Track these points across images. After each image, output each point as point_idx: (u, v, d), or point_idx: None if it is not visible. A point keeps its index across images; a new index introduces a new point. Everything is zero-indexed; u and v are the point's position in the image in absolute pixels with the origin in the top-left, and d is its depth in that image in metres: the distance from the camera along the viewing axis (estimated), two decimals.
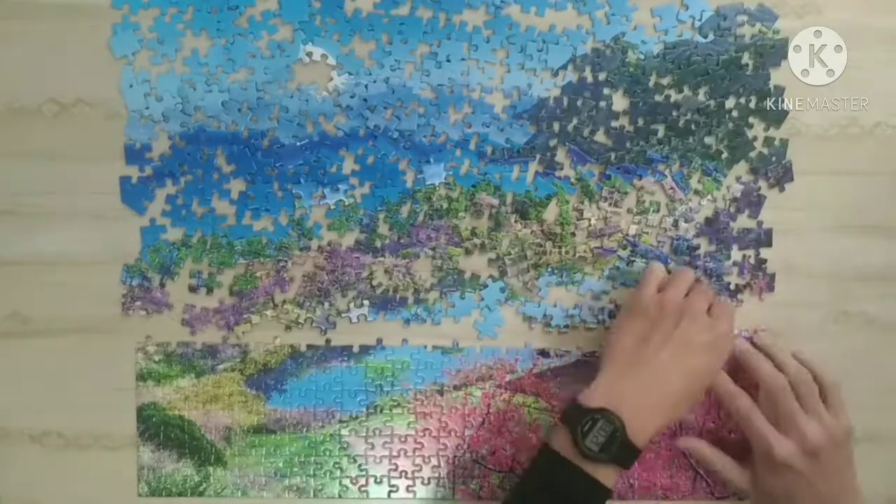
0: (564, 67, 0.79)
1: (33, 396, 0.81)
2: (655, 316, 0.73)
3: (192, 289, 0.80)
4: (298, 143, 0.79)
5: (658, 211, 0.80)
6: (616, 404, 0.69)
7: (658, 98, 0.79)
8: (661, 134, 0.80)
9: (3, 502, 0.81)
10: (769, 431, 0.73)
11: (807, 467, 0.72)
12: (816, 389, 0.75)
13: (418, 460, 0.82)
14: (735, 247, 0.81)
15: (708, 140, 0.80)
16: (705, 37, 0.79)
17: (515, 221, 0.80)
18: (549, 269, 0.81)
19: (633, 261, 0.81)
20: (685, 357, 0.71)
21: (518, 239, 0.80)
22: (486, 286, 0.81)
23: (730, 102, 0.79)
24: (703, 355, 0.72)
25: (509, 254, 0.80)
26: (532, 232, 0.80)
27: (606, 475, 0.68)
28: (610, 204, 0.80)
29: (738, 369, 0.78)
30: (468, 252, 0.80)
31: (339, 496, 0.82)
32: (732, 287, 0.81)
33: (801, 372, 0.76)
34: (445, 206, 0.80)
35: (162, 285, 0.80)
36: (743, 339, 0.80)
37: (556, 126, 0.79)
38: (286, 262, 0.80)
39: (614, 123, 0.79)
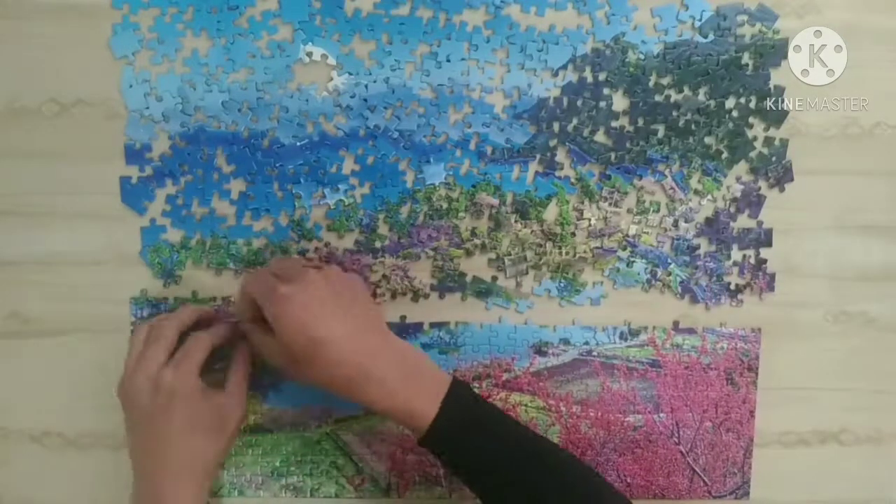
0: (564, 67, 0.79)
1: (33, 396, 0.81)
2: (130, 408, 0.74)
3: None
4: (298, 143, 0.79)
5: (658, 211, 0.80)
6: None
7: (658, 98, 0.79)
8: (661, 134, 0.80)
9: (3, 502, 0.81)
10: (264, 287, 0.70)
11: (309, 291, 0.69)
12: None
13: (415, 459, 0.82)
14: (735, 247, 0.81)
15: (708, 140, 0.80)
16: (705, 37, 0.79)
17: (516, 221, 0.80)
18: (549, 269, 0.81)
19: (633, 261, 0.81)
20: (152, 429, 0.72)
21: (518, 239, 0.80)
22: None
23: (730, 102, 0.79)
24: (164, 420, 0.71)
25: (509, 254, 0.80)
26: (532, 232, 0.80)
27: None
28: (610, 204, 0.80)
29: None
30: (469, 253, 0.80)
31: (336, 495, 0.82)
32: (733, 287, 0.81)
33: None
34: (445, 206, 0.80)
35: (164, 300, 0.80)
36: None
37: (556, 126, 0.79)
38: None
39: (614, 123, 0.79)
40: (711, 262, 0.81)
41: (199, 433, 0.72)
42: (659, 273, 0.81)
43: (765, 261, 0.81)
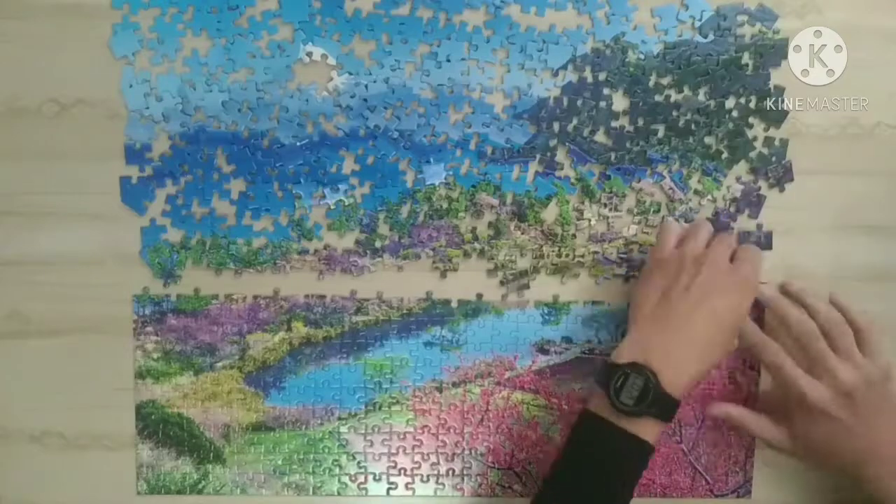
0: (564, 67, 0.79)
1: (33, 396, 0.81)
2: (676, 269, 0.72)
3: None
4: (298, 143, 0.79)
5: (658, 211, 0.80)
6: (645, 357, 0.68)
7: (658, 98, 0.79)
8: (661, 134, 0.80)
9: (3, 502, 0.81)
10: (800, 376, 0.72)
11: (842, 411, 0.71)
12: (849, 331, 0.74)
13: (417, 458, 0.82)
14: None
15: (708, 140, 0.80)
16: (705, 37, 0.79)
17: (515, 228, 0.80)
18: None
19: (632, 276, 0.81)
20: (707, 302, 0.70)
21: (517, 245, 0.80)
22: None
23: (730, 102, 0.79)
24: (726, 297, 0.71)
25: (505, 266, 0.80)
26: (531, 238, 0.80)
27: (647, 430, 0.68)
28: (610, 209, 0.80)
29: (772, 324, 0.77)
30: (467, 255, 0.80)
31: (338, 493, 0.82)
32: None
33: (831, 315, 0.75)
34: (445, 206, 0.80)
35: (166, 296, 0.81)
36: (771, 287, 0.79)
37: (556, 126, 0.79)
38: (285, 265, 0.80)
39: (614, 123, 0.79)
40: None
41: (731, 331, 0.72)
42: None
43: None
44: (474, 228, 0.80)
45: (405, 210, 0.80)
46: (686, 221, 0.80)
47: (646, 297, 0.73)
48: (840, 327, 0.74)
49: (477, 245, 0.80)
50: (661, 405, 0.68)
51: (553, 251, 0.80)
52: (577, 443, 0.71)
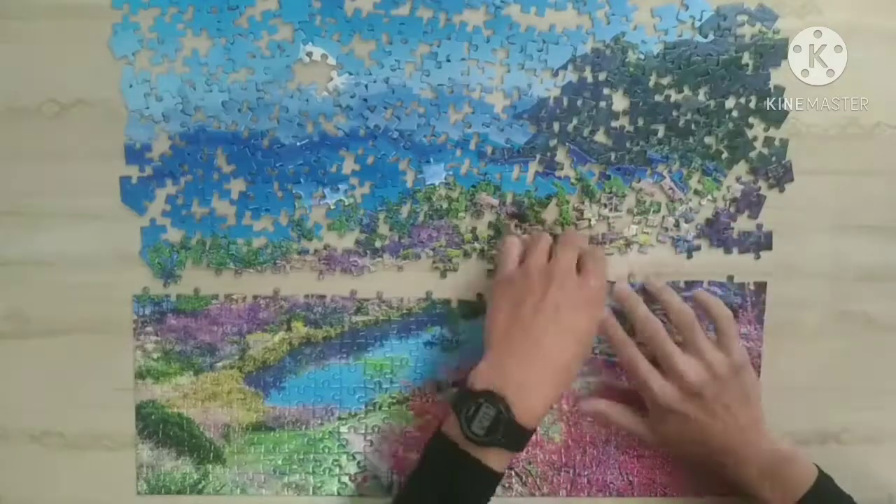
0: (564, 67, 0.79)
1: (33, 396, 0.81)
2: (522, 287, 0.72)
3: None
4: (298, 143, 0.79)
5: (658, 211, 0.80)
6: (500, 386, 0.68)
7: (658, 98, 0.79)
8: (661, 134, 0.80)
9: (3, 502, 0.81)
10: (650, 377, 0.73)
11: (692, 408, 0.72)
12: (697, 327, 0.74)
13: (417, 457, 0.82)
14: (735, 250, 0.81)
15: (708, 140, 0.80)
16: (705, 37, 0.79)
17: (516, 227, 0.80)
18: None
19: (631, 275, 0.81)
20: (558, 321, 0.70)
21: None
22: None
23: (730, 102, 0.79)
24: (577, 314, 0.71)
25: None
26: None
27: (495, 459, 0.68)
28: (610, 209, 0.80)
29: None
30: (467, 255, 0.80)
31: (338, 493, 0.82)
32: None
33: (681, 311, 0.75)
34: (445, 206, 0.80)
35: (166, 296, 0.81)
36: (625, 285, 0.79)
37: (556, 126, 0.79)
38: (285, 265, 0.80)
39: (614, 123, 0.79)
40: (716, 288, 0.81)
41: (586, 348, 0.72)
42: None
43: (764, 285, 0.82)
44: (474, 228, 0.80)
45: (405, 210, 0.80)
46: (686, 222, 0.80)
47: (496, 319, 0.72)
48: (688, 324, 0.74)
49: (477, 245, 0.80)
50: (513, 436, 0.68)
51: None
52: (426, 462, 0.71)
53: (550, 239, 0.75)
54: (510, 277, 0.73)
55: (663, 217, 0.80)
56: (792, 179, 0.81)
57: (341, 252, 0.80)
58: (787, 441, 0.75)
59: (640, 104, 0.79)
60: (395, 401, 0.82)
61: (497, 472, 0.68)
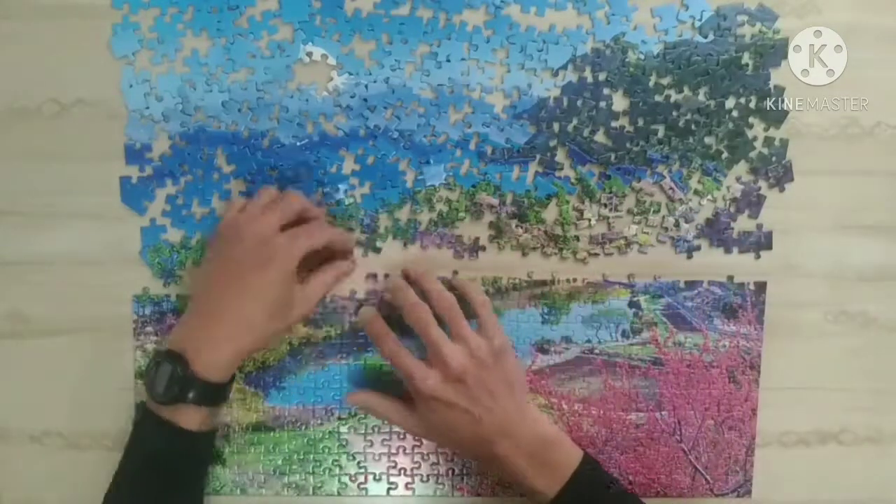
0: (564, 67, 0.79)
1: (33, 396, 0.81)
2: (220, 242, 0.73)
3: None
4: (298, 143, 0.79)
5: (658, 211, 0.80)
6: (180, 344, 0.69)
7: (658, 98, 0.79)
8: (661, 134, 0.80)
9: (3, 502, 0.81)
10: (413, 367, 0.72)
11: (455, 395, 0.71)
12: (458, 313, 0.73)
13: (417, 457, 0.82)
14: (735, 249, 0.81)
15: (708, 140, 0.80)
16: (705, 37, 0.79)
17: (517, 226, 0.80)
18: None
19: (632, 275, 0.81)
20: (238, 279, 0.70)
21: (518, 245, 0.80)
22: None
23: (730, 102, 0.79)
24: (255, 273, 0.71)
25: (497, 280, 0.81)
26: (533, 237, 0.80)
27: (187, 417, 0.69)
28: (610, 209, 0.80)
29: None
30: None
31: (338, 494, 0.82)
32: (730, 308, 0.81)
33: (441, 297, 0.74)
34: (446, 209, 0.80)
35: (166, 296, 0.80)
36: (398, 279, 0.78)
37: (556, 126, 0.79)
38: None
39: (614, 123, 0.79)
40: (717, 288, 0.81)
41: (270, 308, 0.71)
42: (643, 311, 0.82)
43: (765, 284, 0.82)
44: (476, 239, 0.80)
45: (405, 210, 0.80)
46: (686, 222, 0.80)
47: (196, 275, 0.75)
48: (450, 310, 0.73)
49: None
50: (198, 391, 0.69)
51: (556, 253, 0.80)
52: (133, 432, 0.73)
53: (274, 193, 0.76)
54: (217, 233, 0.75)
55: (663, 217, 0.81)
56: (792, 179, 0.81)
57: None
58: (553, 425, 0.75)
59: (640, 104, 0.79)
60: None
61: (192, 431, 0.70)
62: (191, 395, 0.68)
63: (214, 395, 0.71)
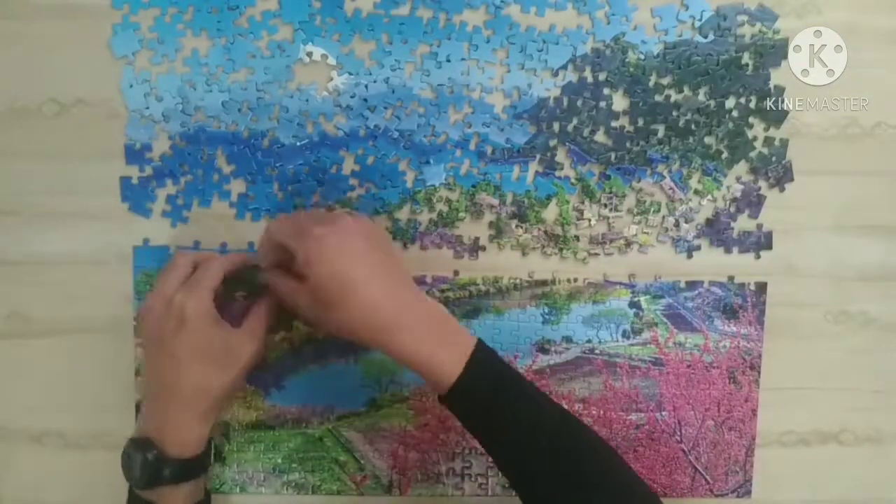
0: (564, 67, 0.79)
1: (33, 396, 0.81)
2: (141, 331, 0.75)
3: None
4: (298, 143, 0.79)
5: (658, 211, 0.80)
6: (145, 430, 0.71)
7: (658, 98, 0.79)
8: (661, 134, 0.80)
9: (3, 502, 0.81)
10: (279, 282, 0.70)
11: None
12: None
13: (417, 456, 0.82)
14: (735, 249, 0.81)
15: (708, 140, 0.80)
16: (705, 37, 0.79)
17: (517, 226, 0.80)
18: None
19: (632, 275, 0.81)
20: (163, 349, 0.70)
21: (518, 244, 0.80)
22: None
23: (730, 102, 0.79)
24: (175, 336, 0.69)
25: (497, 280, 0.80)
26: (534, 237, 0.80)
27: (172, 498, 0.71)
28: (610, 209, 0.80)
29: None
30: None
31: (338, 492, 0.82)
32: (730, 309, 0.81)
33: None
34: (446, 209, 0.80)
35: None
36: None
37: (556, 126, 0.79)
38: None
39: (614, 123, 0.79)
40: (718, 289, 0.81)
41: (207, 362, 0.71)
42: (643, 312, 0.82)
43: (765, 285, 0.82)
44: (476, 239, 0.80)
45: (406, 211, 0.80)
46: (686, 222, 0.80)
47: (143, 363, 0.75)
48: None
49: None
50: (173, 469, 0.70)
51: (556, 253, 0.80)
52: None
53: (182, 265, 0.73)
54: (138, 323, 0.76)
55: (663, 217, 0.81)
56: (792, 179, 0.81)
57: None
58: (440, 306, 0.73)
59: (640, 104, 0.79)
60: (395, 400, 0.82)
61: None
62: (166, 474, 0.69)
63: (190, 470, 0.71)
